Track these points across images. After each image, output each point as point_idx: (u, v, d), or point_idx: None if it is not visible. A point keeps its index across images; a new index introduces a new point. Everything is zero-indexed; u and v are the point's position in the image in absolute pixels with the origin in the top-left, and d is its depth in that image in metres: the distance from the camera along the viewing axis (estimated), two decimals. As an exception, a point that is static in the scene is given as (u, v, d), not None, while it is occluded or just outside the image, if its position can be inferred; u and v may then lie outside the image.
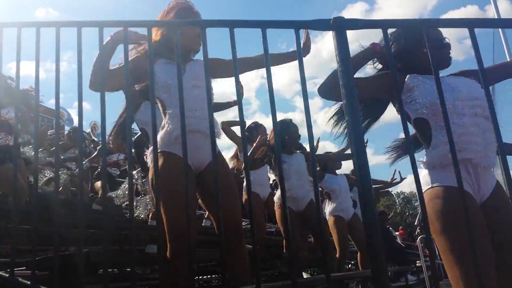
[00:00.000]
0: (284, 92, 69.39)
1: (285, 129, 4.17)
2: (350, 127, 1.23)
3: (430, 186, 1.68)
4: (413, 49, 1.86)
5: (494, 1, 8.23)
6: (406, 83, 1.82)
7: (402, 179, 5.51)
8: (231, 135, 4.62)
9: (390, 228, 7.45)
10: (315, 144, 5.24)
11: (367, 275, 4.29)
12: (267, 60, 1.33)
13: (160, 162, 2.07)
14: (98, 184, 5.47)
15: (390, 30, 1.71)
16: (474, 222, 1.53)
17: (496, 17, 8.12)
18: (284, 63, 2.30)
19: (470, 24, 1.29)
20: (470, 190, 1.65)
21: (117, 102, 2.28)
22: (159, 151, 2.08)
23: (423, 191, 1.67)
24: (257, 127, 4.74)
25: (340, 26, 1.29)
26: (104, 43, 1.53)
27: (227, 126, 4.49)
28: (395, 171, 5.30)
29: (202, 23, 1.43)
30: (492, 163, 1.67)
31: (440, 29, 1.87)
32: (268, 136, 4.32)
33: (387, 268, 1.20)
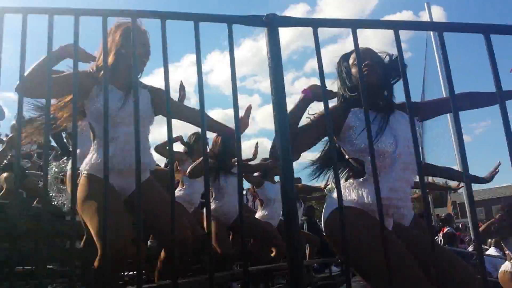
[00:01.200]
0: (224, 89, 69.02)
1: (227, 141, 3.81)
2: (277, 126, 1.19)
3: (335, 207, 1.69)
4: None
5: (428, 8, 8.67)
6: (347, 120, 1.78)
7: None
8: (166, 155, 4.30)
9: (318, 222, 7.73)
10: (254, 151, 4.84)
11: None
12: (198, 56, 1.25)
13: (86, 183, 2.10)
14: (3, 176, 4.84)
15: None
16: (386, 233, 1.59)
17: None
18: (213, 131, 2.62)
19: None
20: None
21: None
22: (85, 172, 2.14)
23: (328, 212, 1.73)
24: (198, 139, 4.26)
25: (272, 23, 1.26)
26: (52, 51, 1.35)
27: (162, 149, 4.13)
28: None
29: (133, 13, 1.32)
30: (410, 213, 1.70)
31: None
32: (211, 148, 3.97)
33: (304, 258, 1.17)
